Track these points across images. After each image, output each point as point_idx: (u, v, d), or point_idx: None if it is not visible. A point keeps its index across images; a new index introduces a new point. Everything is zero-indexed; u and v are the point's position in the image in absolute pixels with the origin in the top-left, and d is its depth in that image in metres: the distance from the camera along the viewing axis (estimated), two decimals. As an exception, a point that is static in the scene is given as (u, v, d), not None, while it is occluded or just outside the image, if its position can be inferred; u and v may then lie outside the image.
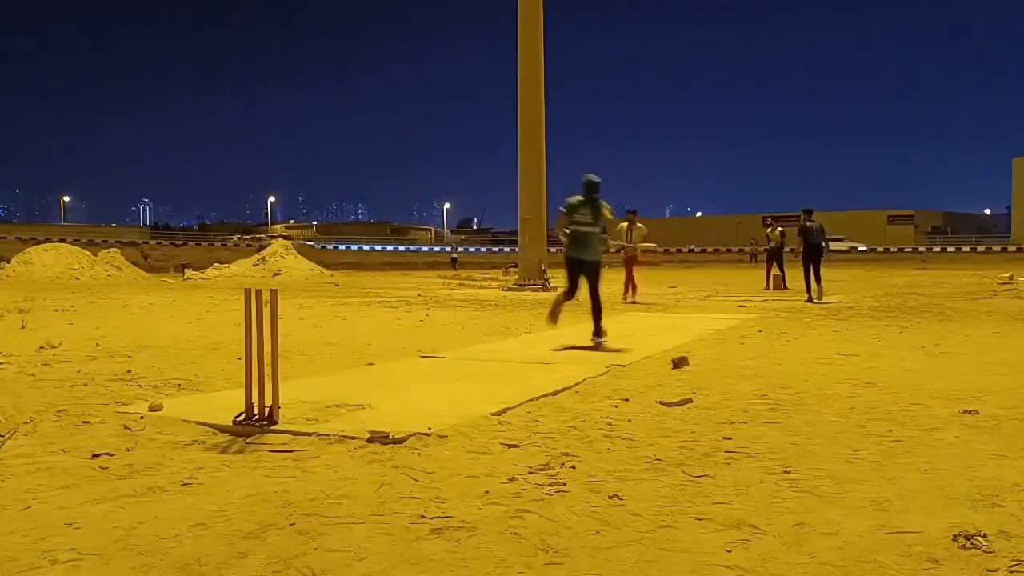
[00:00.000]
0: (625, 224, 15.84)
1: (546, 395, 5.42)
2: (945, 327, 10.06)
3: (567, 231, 8.59)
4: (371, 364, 7.12)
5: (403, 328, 10.69)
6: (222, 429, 4.37)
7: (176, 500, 3.25)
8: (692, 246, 65.42)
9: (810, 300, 14.58)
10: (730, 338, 9.02)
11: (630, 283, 15.90)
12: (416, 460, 3.83)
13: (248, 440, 4.18)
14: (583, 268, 8.55)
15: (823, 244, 15.23)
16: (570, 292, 8.60)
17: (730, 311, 13.03)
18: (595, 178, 8.53)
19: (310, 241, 70.05)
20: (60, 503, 3.20)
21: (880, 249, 59.62)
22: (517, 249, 23.07)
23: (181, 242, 68.56)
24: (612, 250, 11.71)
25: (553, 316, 8.88)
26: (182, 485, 3.46)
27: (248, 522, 2.98)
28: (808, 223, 15.01)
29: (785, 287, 17.63)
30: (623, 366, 6.81)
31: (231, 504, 3.19)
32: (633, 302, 15.38)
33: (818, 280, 14.88)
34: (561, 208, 8.67)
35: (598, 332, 8.35)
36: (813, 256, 14.97)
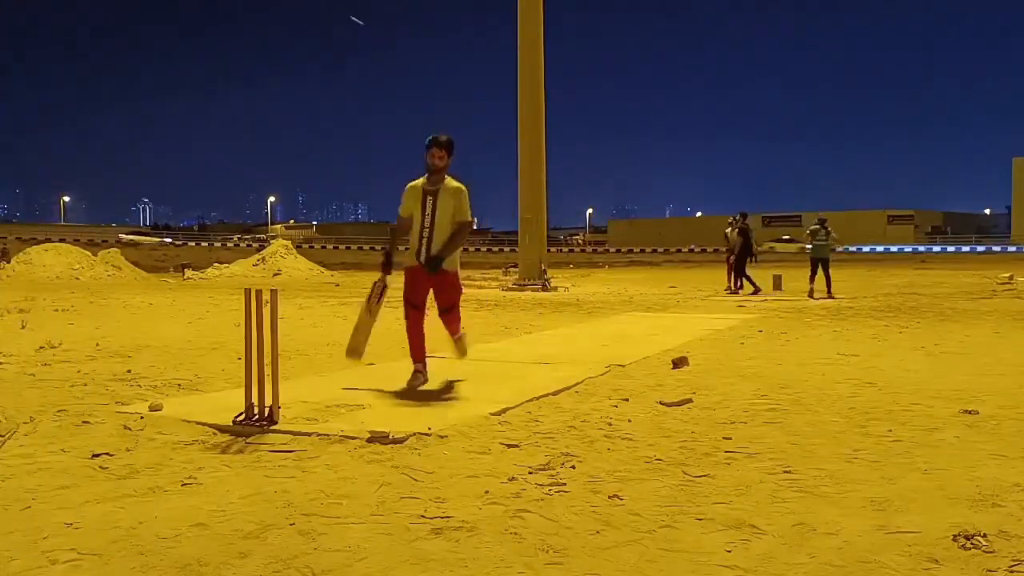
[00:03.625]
0: (416, 185, 6.00)
1: (546, 395, 5.42)
2: (945, 327, 10.05)
3: (810, 244, 16.20)
4: (371, 364, 7.12)
5: (403, 328, 10.65)
6: (222, 429, 4.37)
7: (176, 500, 3.25)
8: (692, 246, 65.36)
9: (734, 293, 16.73)
10: (730, 338, 9.02)
11: (451, 329, 6.50)
12: (416, 460, 3.83)
13: (248, 440, 4.18)
14: (821, 263, 15.80)
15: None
16: (813, 278, 15.72)
17: (730, 311, 13.02)
18: (823, 215, 16.50)
19: (308, 242, 69.84)
20: (60, 503, 3.20)
21: (880, 249, 59.56)
22: (517, 249, 23.05)
23: (181, 242, 68.48)
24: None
25: (811, 293, 15.49)
26: (182, 485, 3.46)
27: (248, 522, 2.98)
28: (743, 225, 17.22)
29: (781, 288, 17.56)
30: (623, 366, 6.81)
31: (231, 504, 3.19)
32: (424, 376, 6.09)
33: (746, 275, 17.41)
34: (807, 232, 16.48)
35: (830, 294, 15.42)
36: (752, 255, 17.77)
